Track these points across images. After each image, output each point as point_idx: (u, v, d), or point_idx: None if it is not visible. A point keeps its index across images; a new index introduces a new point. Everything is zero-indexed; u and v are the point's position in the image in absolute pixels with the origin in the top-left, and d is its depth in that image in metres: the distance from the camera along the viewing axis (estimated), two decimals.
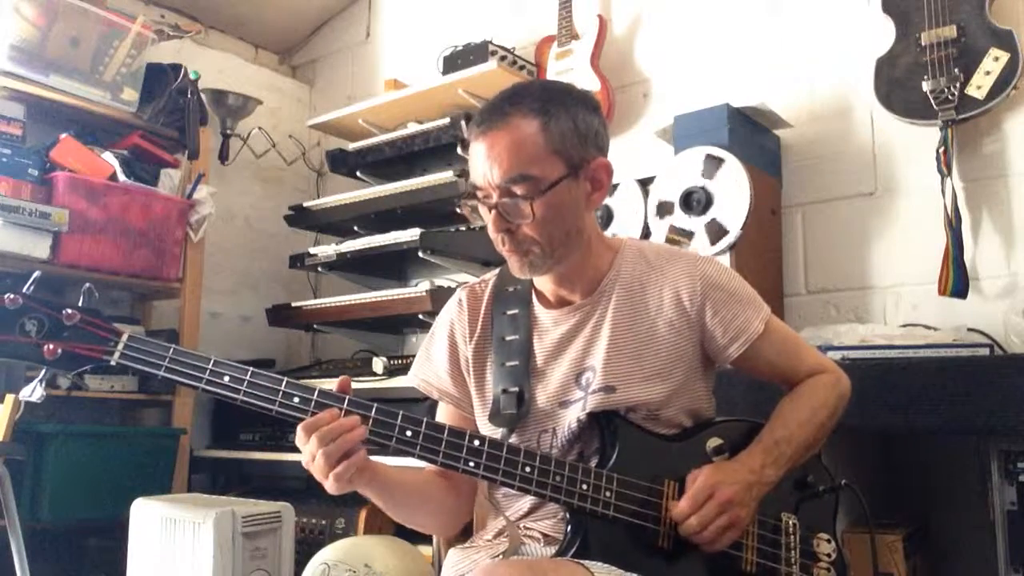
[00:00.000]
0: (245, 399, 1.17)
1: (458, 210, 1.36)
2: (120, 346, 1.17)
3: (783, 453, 1.29)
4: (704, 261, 1.40)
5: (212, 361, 1.18)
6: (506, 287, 1.44)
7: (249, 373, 1.18)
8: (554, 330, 1.38)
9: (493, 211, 1.27)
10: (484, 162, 1.26)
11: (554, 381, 1.35)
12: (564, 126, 1.27)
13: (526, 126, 1.25)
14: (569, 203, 1.29)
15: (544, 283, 1.41)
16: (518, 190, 1.25)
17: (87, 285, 1.18)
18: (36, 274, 1.17)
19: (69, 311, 1.15)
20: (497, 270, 1.48)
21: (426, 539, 1.83)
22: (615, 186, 2.42)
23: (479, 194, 1.29)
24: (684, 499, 1.23)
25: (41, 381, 1.18)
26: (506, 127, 1.25)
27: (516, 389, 1.35)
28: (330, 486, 1.19)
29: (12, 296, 1.13)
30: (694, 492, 1.22)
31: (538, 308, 1.41)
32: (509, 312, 1.41)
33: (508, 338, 1.39)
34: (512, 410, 1.34)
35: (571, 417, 1.32)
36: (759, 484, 1.26)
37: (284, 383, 1.18)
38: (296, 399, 1.18)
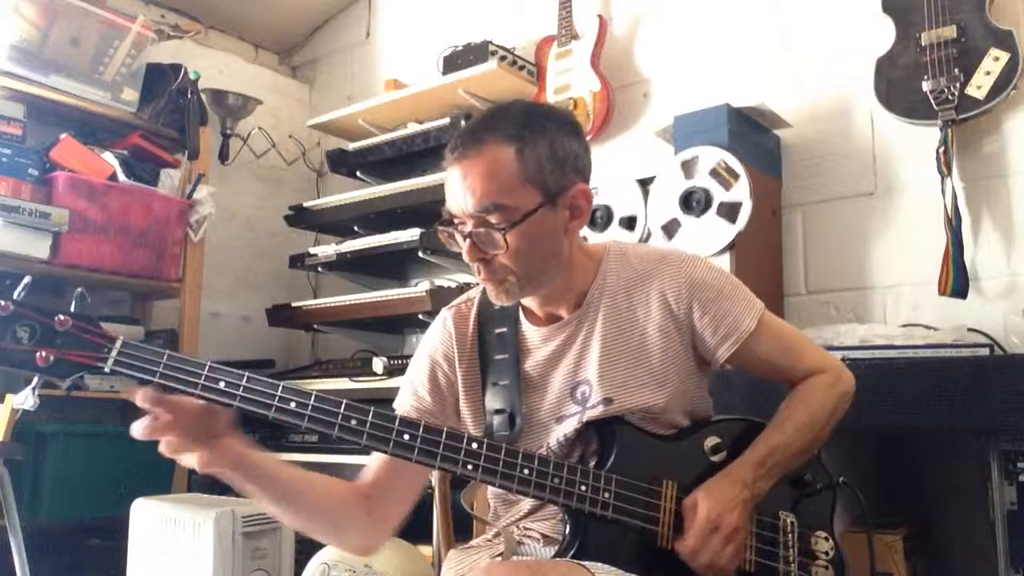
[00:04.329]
0: (241, 404, 1.15)
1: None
2: (113, 352, 1.14)
3: (777, 463, 1.29)
4: (690, 262, 1.37)
5: (207, 366, 1.16)
6: (492, 304, 1.41)
7: (245, 378, 1.16)
8: (544, 347, 1.36)
9: (467, 240, 1.25)
10: (459, 190, 1.24)
11: (548, 398, 1.35)
12: (541, 153, 1.24)
13: (501, 153, 1.22)
14: (545, 232, 1.26)
15: (530, 300, 1.38)
16: (492, 219, 1.22)
17: (79, 290, 1.15)
18: (26, 279, 1.14)
19: (61, 317, 1.12)
20: (482, 287, 1.45)
21: (426, 539, 1.83)
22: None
23: (455, 221, 1.27)
24: (690, 536, 1.21)
25: (34, 389, 1.15)
26: (480, 154, 1.23)
27: (507, 410, 1.34)
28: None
29: (2, 303, 1.10)
30: (699, 528, 1.20)
31: (526, 325, 1.39)
32: (497, 331, 1.39)
33: (497, 357, 1.37)
34: (505, 432, 1.33)
35: (567, 430, 1.32)
36: (753, 499, 1.25)
37: (280, 388, 1.17)
38: (293, 404, 1.17)
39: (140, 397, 1.11)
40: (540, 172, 1.24)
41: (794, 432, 1.31)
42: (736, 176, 2.19)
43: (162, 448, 1.14)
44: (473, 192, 1.22)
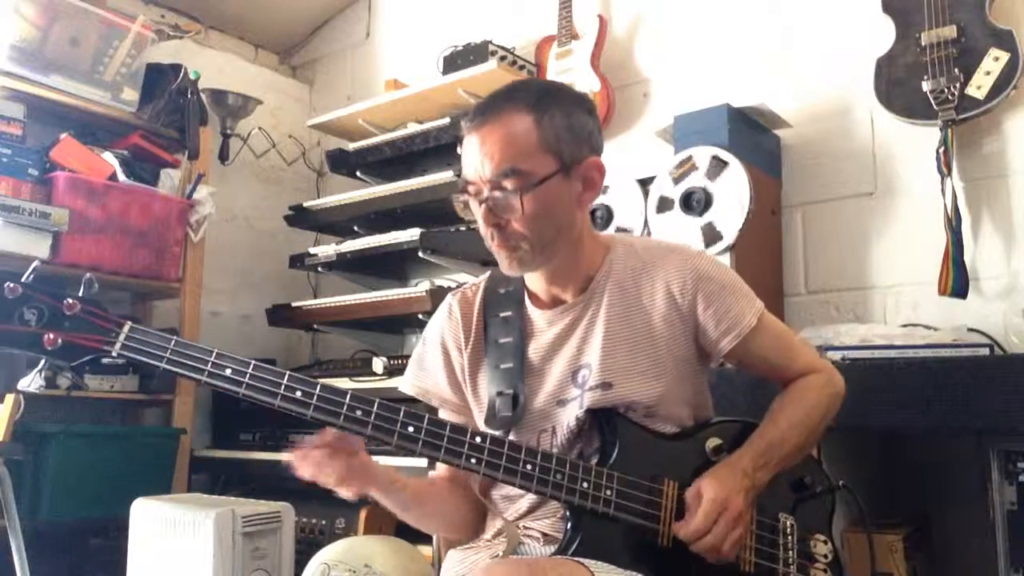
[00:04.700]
0: (247, 393, 1.16)
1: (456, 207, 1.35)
2: (121, 337, 1.15)
3: (774, 456, 1.29)
4: (696, 255, 1.39)
5: (215, 353, 1.17)
6: (498, 289, 1.43)
7: (251, 366, 1.17)
8: (548, 330, 1.37)
9: (483, 205, 1.27)
10: (476, 156, 1.27)
11: (550, 381, 1.35)
12: (558, 123, 1.27)
13: (519, 121, 1.26)
14: (559, 200, 1.29)
15: (536, 282, 1.40)
16: (508, 184, 1.25)
17: (87, 275, 1.16)
18: (35, 263, 1.15)
19: (69, 300, 1.13)
20: (487, 273, 1.47)
21: (426, 539, 1.83)
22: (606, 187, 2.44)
23: (470, 188, 1.29)
24: (697, 518, 1.21)
25: (40, 372, 1.16)
26: (499, 121, 1.26)
27: (511, 392, 1.35)
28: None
29: (12, 284, 1.11)
30: (705, 510, 1.20)
31: (531, 309, 1.40)
32: (502, 314, 1.41)
33: (502, 341, 1.39)
34: (507, 413, 1.34)
35: (569, 416, 1.32)
36: (753, 488, 1.26)
37: (287, 377, 1.18)
38: (299, 393, 1.18)
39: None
40: (557, 141, 1.27)
41: (789, 428, 1.32)
42: (736, 176, 2.20)
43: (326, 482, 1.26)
44: (491, 157, 1.25)
